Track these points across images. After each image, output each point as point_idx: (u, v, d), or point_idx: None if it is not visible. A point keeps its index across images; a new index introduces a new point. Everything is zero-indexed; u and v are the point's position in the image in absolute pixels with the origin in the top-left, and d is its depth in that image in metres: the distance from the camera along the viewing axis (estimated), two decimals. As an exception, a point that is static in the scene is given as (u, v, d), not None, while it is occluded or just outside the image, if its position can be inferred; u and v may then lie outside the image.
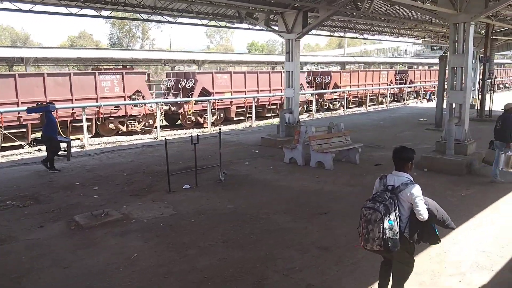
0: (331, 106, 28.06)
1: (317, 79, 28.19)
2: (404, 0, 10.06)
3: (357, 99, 29.86)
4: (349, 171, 10.08)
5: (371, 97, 30.86)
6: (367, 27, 19.50)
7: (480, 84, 18.78)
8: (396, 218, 3.57)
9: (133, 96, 18.83)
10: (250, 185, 8.84)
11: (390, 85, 31.87)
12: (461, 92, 9.93)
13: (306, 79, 28.28)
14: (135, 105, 18.64)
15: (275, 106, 24.53)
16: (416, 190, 3.61)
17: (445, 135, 10.02)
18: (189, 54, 33.08)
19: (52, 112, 11.10)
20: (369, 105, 29.92)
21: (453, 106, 10.20)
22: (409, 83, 33.61)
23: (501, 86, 46.22)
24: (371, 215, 3.53)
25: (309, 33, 18.40)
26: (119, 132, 18.66)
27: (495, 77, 43.93)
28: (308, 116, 25.45)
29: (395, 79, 33.21)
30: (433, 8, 10.14)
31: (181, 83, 21.02)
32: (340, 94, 27.86)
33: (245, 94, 22.57)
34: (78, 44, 53.25)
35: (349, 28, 19.30)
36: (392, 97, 32.64)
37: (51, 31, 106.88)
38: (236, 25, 14.78)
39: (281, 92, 24.18)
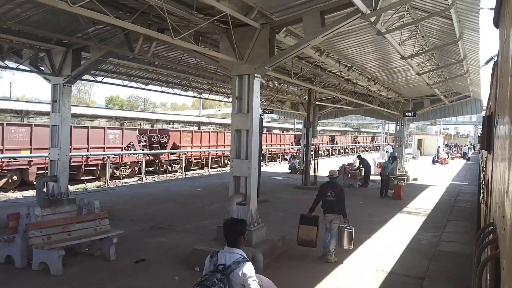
0: (169, 168, 24.88)
1: (154, 138, 24.95)
2: (185, 45, 7.51)
3: (199, 160, 27.30)
4: (87, 276, 6.52)
5: (216, 159, 28.75)
6: (177, 80, 17.18)
7: (304, 150, 17.45)
8: None
9: None
10: None
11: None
12: (245, 161, 7.47)
13: (143, 137, 24.96)
14: None
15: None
16: (248, 269, 3.10)
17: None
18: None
19: None
20: (213, 167, 27.67)
21: (240, 180, 7.67)
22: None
23: (341, 151, 49.19)
24: None
25: (97, 81, 15.40)
26: None
27: (336, 143, 46.81)
28: (138, 180, 21.82)
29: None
30: (216, 54, 7.80)
31: None
32: (179, 155, 24.95)
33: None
34: None
35: (155, 80, 16.78)
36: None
37: None
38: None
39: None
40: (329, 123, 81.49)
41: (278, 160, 36.02)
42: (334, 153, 46.89)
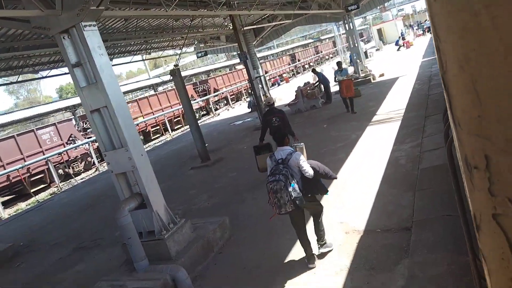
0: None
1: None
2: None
3: (157, 127, 24.62)
4: None
5: (176, 119, 26.13)
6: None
7: (250, 86, 14.81)
8: (294, 181, 4.05)
9: None
10: None
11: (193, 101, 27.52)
12: (122, 151, 5.01)
13: (86, 123, 22.16)
14: None
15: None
16: (299, 155, 4.22)
17: (122, 236, 5.00)
18: None
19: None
20: (176, 129, 25.36)
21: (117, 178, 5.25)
22: (213, 92, 29.74)
23: (306, 66, 46.27)
24: (276, 186, 3.98)
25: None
26: None
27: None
28: (96, 171, 19.41)
29: (197, 92, 29.01)
30: (18, 13, 5.02)
31: None
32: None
33: None
34: None
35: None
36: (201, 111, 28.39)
37: None
38: None
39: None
40: (289, 41, 77.09)
41: (243, 98, 33.38)
42: (299, 71, 44.16)
